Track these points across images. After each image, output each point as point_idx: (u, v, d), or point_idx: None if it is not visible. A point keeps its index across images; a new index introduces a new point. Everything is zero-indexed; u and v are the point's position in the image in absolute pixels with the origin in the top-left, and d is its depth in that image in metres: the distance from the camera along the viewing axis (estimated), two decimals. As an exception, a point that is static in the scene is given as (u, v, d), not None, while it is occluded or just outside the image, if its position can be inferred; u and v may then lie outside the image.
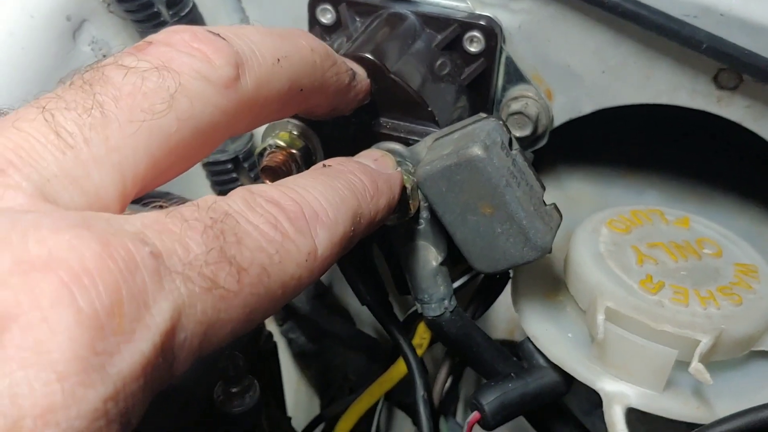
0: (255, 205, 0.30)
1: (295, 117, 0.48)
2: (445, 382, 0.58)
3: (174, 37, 0.32)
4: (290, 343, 0.74)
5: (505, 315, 0.69)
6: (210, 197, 0.29)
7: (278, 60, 0.35)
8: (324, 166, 0.38)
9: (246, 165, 0.63)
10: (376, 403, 0.60)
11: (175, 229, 0.26)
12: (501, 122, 0.43)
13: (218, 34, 0.33)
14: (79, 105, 0.28)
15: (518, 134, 0.54)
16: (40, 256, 0.22)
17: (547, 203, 0.43)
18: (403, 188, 0.42)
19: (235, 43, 0.33)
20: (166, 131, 0.29)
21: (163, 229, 0.26)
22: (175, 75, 0.30)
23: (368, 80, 0.45)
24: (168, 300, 0.25)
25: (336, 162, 0.39)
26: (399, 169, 0.43)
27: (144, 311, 0.24)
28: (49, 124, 0.27)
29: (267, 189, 0.32)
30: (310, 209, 0.32)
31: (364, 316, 0.74)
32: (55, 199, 0.26)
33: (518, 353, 0.49)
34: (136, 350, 0.23)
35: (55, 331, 0.21)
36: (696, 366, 0.41)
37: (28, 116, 0.27)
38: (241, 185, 0.64)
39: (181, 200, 0.56)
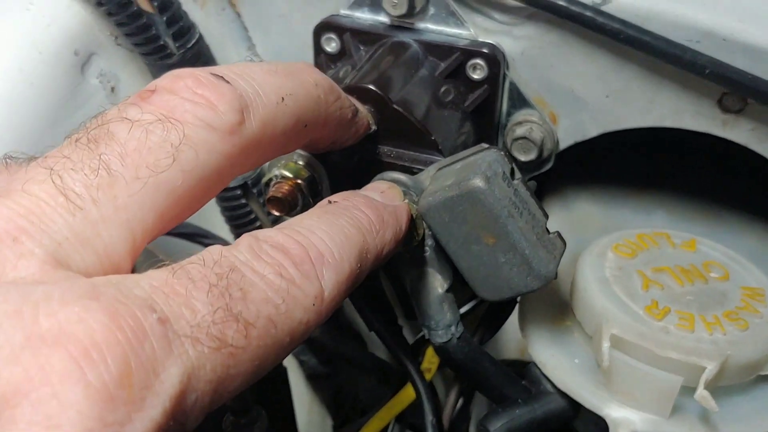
0: (261, 253, 0.30)
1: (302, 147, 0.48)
2: (455, 404, 0.58)
3: (177, 83, 0.32)
4: (302, 364, 0.74)
5: (515, 334, 0.68)
6: (216, 249, 0.30)
7: (282, 98, 0.35)
8: (329, 202, 0.38)
9: (255, 191, 0.64)
10: (387, 426, 0.60)
11: (181, 290, 0.26)
12: (502, 153, 0.43)
13: (222, 77, 0.33)
14: (86, 165, 0.28)
15: (523, 159, 0.54)
16: (50, 330, 0.23)
17: (551, 228, 0.44)
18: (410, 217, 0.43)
19: (238, 85, 0.33)
20: (171, 184, 0.30)
21: (170, 292, 0.26)
22: (179, 126, 0.30)
23: (367, 120, 0.46)
24: (177, 365, 0.25)
25: (341, 198, 0.39)
26: (405, 200, 0.43)
27: (153, 379, 0.24)
28: (57, 187, 0.27)
29: (272, 234, 0.32)
30: (316, 251, 0.32)
31: (375, 338, 0.74)
32: (67, 261, 0.27)
33: (526, 377, 0.50)
34: (147, 418, 0.24)
35: (64, 406, 0.22)
36: (702, 393, 0.41)
37: (36, 178, 0.28)
38: (251, 211, 0.65)
39: (198, 230, 0.56)
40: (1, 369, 0.22)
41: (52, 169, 0.28)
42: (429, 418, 0.52)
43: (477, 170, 0.41)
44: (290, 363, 0.73)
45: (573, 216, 0.60)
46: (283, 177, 0.48)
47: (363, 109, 0.45)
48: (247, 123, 0.33)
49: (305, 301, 0.31)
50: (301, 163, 0.48)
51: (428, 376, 0.56)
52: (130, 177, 0.29)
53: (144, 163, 0.29)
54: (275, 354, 0.30)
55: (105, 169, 0.29)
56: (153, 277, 0.27)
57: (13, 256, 0.26)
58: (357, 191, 0.42)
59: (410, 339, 0.58)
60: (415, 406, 0.57)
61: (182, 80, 0.32)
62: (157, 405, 0.24)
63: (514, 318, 0.54)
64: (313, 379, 0.76)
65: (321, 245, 0.33)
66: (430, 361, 0.57)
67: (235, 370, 0.27)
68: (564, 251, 0.44)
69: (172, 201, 0.30)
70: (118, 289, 0.25)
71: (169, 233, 0.58)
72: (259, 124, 0.34)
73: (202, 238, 0.59)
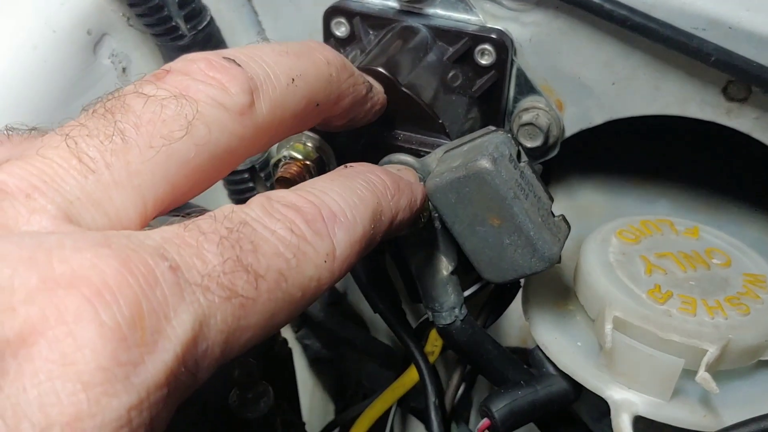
0: (272, 211, 0.31)
1: (310, 129, 0.48)
2: (458, 388, 0.59)
3: (191, 66, 0.33)
4: (305, 349, 0.75)
5: (517, 322, 0.69)
6: (227, 207, 0.30)
7: (293, 80, 0.36)
8: (345, 167, 0.39)
9: (262, 175, 0.64)
10: (389, 409, 0.61)
11: (192, 242, 0.27)
12: (509, 135, 0.44)
13: (233, 60, 0.34)
14: (101, 132, 0.29)
15: (529, 145, 0.54)
16: (63, 274, 0.24)
17: (556, 214, 0.44)
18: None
19: (249, 68, 0.34)
20: (184, 156, 0.31)
21: (181, 243, 0.27)
22: (193, 103, 0.31)
23: (382, 96, 0.46)
24: (188, 311, 0.26)
25: (358, 164, 0.39)
26: (422, 182, 0.43)
27: (165, 323, 0.25)
28: (71, 151, 0.28)
29: (285, 194, 0.33)
30: (328, 210, 0.33)
31: (378, 323, 0.75)
32: (78, 220, 0.28)
33: (528, 361, 0.50)
34: (159, 360, 0.24)
35: (79, 344, 0.23)
36: (703, 375, 0.42)
37: (52, 144, 0.29)
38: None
39: (202, 210, 0.57)
40: (18, 309, 0.23)
41: (67, 135, 0.29)
42: (431, 399, 0.53)
43: (484, 152, 0.42)
44: (294, 347, 0.73)
45: (577, 204, 0.61)
46: (292, 158, 0.49)
47: (378, 86, 0.45)
48: (257, 105, 0.34)
49: (316, 258, 0.31)
50: (309, 144, 0.49)
51: (431, 359, 0.56)
52: (144, 145, 0.30)
53: (158, 133, 0.30)
54: (287, 309, 0.30)
55: (120, 136, 0.29)
56: (164, 230, 0.27)
57: (26, 210, 0.27)
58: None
59: (413, 324, 0.59)
60: (418, 391, 0.58)
61: (195, 63, 0.33)
62: (168, 349, 0.25)
63: (516, 307, 0.55)
64: (316, 363, 0.76)
65: (333, 205, 0.33)
66: (434, 344, 0.58)
67: (245, 322, 0.28)
68: (568, 234, 0.44)
69: (184, 173, 0.31)
70: (130, 239, 0.26)
71: (176, 214, 0.58)
72: (269, 106, 0.34)
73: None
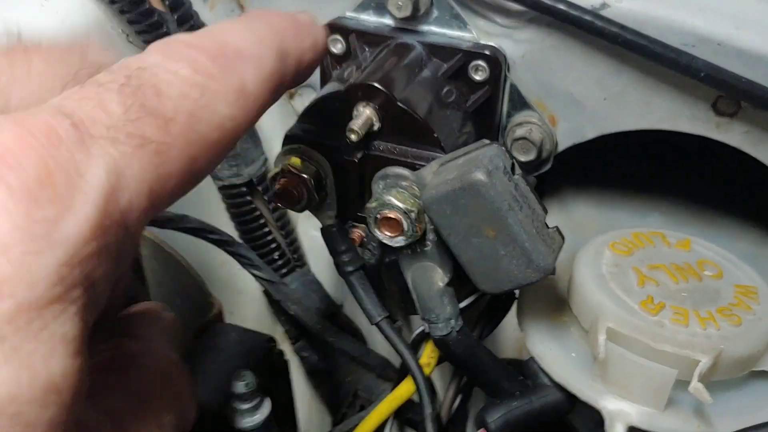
0: (172, 53, 0.30)
1: (308, 143, 0.49)
2: (454, 399, 0.59)
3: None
4: (303, 361, 0.75)
5: (513, 334, 0.70)
6: (124, 59, 0.29)
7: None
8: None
9: (260, 188, 0.65)
10: (386, 421, 0.61)
11: (91, 94, 0.27)
12: (503, 148, 0.44)
13: None
14: None
15: (523, 159, 0.55)
16: None
17: (550, 226, 0.45)
18: (411, 210, 0.44)
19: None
20: None
21: (80, 98, 0.26)
22: None
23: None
24: (99, 165, 0.25)
25: (255, 9, 0.38)
26: (322, 25, 0.39)
27: (78, 178, 0.24)
28: None
29: (184, 35, 0.31)
30: (233, 46, 0.32)
31: (375, 335, 0.75)
32: None
33: (523, 372, 0.51)
34: (80, 214, 0.24)
35: None
36: (695, 385, 0.42)
37: None
38: (256, 208, 0.66)
39: (200, 224, 0.56)
40: None
41: None
42: (428, 410, 0.53)
43: (479, 164, 0.42)
44: (291, 359, 0.74)
45: (571, 217, 0.62)
46: (289, 172, 0.49)
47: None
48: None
49: (227, 95, 0.30)
50: (306, 158, 0.50)
51: (427, 371, 0.57)
52: None
53: None
54: (206, 151, 0.29)
55: None
56: (63, 93, 0.27)
57: None
58: None
59: (409, 337, 0.59)
60: (414, 403, 0.58)
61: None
62: (87, 201, 0.24)
63: (511, 319, 0.55)
64: (313, 375, 0.77)
65: (238, 41, 0.32)
66: (430, 356, 0.58)
67: (165, 169, 0.27)
68: (562, 245, 0.45)
69: None
70: (30, 108, 0.26)
71: (174, 227, 0.59)
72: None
73: (207, 233, 0.60)
